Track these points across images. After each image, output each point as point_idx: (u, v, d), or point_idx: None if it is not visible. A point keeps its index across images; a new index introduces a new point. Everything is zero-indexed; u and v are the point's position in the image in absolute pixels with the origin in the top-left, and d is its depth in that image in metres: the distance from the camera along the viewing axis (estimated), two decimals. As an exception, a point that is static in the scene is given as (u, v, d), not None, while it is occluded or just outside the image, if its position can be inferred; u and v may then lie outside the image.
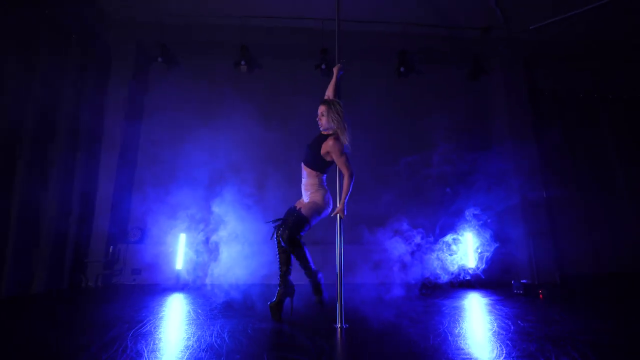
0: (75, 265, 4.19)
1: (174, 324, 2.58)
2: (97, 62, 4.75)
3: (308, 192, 2.63)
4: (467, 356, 1.83)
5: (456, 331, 2.32)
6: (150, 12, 4.97)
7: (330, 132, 2.60)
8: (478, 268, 4.49)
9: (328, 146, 2.52)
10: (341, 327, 2.38)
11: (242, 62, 5.43)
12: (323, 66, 5.48)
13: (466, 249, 4.54)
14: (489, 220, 4.62)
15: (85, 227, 4.42)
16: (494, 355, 1.86)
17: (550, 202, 5.26)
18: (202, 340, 2.07)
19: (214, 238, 4.55)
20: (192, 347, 1.95)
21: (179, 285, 4.28)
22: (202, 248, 4.47)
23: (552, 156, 5.50)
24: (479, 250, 4.55)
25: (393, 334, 2.27)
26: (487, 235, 4.50)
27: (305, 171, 2.64)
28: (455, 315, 2.80)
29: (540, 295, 3.78)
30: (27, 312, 2.99)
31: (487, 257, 4.45)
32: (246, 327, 2.39)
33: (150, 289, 4.12)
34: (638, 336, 2.23)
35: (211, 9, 5.00)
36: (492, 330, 2.39)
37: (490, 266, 4.73)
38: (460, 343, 2.05)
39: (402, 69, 5.57)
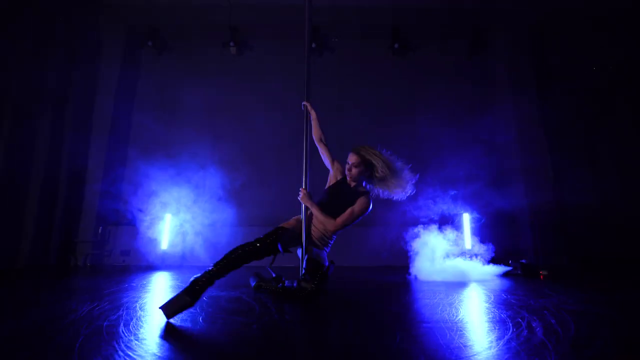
0: (64, 244, 4.22)
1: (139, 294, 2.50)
2: (88, 45, 4.78)
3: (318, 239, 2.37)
4: (423, 322, 1.63)
5: (405, 300, 2.11)
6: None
7: (361, 189, 2.38)
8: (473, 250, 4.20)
9: (361, 203, 2.32)
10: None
11: (231, 44, 5.33)
12: (313, 45, 5.32)
13: (462, 230, 4.26)
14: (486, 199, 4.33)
15: (75, 206, 4.45)
16: (455, 318, 1.65)
17: (559, 178, 4.85)
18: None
19: (197, 221, 4.51)
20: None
21: (164, 265, 4.23)
22: (187, 230, 4.42)
23: (563, 139, 5.02)
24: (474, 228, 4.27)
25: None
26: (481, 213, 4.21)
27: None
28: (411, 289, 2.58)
29: (542, 276, 3.47)
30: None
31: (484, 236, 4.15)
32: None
33: (136, 269, 4.09)
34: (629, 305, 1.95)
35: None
36: (463, 299, 2.16)
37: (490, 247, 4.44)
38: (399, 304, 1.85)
39: (396, 45, 5.31)
